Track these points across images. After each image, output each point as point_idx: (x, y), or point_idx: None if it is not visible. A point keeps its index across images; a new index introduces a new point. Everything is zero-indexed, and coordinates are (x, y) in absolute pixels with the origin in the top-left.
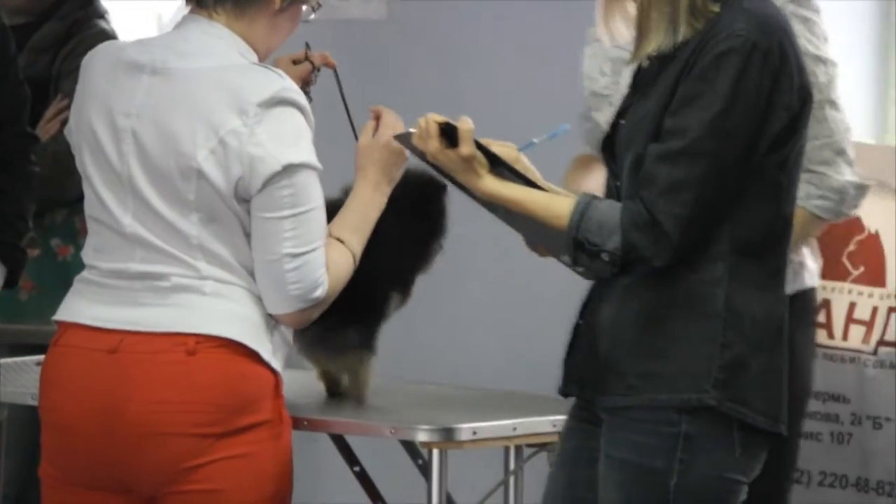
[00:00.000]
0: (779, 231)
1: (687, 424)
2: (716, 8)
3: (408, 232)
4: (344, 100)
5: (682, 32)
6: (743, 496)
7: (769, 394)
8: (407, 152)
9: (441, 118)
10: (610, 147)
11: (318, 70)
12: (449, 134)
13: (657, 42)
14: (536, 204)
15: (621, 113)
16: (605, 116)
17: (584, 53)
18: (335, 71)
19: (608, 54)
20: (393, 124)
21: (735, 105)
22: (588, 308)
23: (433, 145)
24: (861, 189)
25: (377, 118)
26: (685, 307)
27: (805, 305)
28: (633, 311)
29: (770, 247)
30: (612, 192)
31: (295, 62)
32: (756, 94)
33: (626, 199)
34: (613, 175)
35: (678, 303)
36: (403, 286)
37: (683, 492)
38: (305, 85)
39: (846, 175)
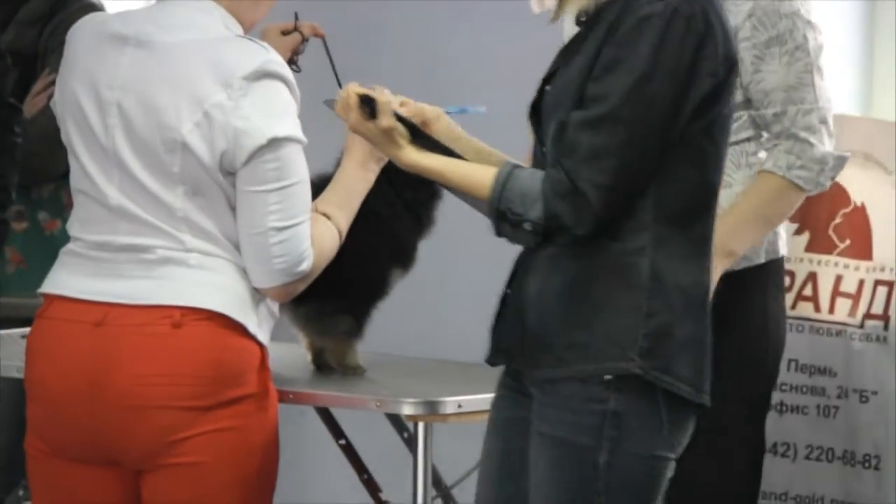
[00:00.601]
0: (704, 199)
1: (615, 401)
2: None
3: (402, 203)
4: (335, 70)
5: None
6: (670, 472)
7: (694, 363)
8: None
9: (361, 89)
10: (536, 112)
11: (307, 40)
12: (370, 105)
13: (578, 3)
14: (457, 174)
15: (547, 78)
16: None
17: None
18: (324, 41)
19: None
20: (385, 102)
21: (656, 70)
22: (515, 278)
23: (353, 116)
24: (840, 160)
25: None
26: (610, 277)
27: (779, 272)
28: (559, 282)
29: (695, 215)
30: (539, 158)
31: (284, 33)
32: (678, 59)
33: (548, 167)
34: (540, 141)
35: (603, 273)
36: (405, 258)
37: (612, 469)
38: (294, 55)
39: (827, 145)
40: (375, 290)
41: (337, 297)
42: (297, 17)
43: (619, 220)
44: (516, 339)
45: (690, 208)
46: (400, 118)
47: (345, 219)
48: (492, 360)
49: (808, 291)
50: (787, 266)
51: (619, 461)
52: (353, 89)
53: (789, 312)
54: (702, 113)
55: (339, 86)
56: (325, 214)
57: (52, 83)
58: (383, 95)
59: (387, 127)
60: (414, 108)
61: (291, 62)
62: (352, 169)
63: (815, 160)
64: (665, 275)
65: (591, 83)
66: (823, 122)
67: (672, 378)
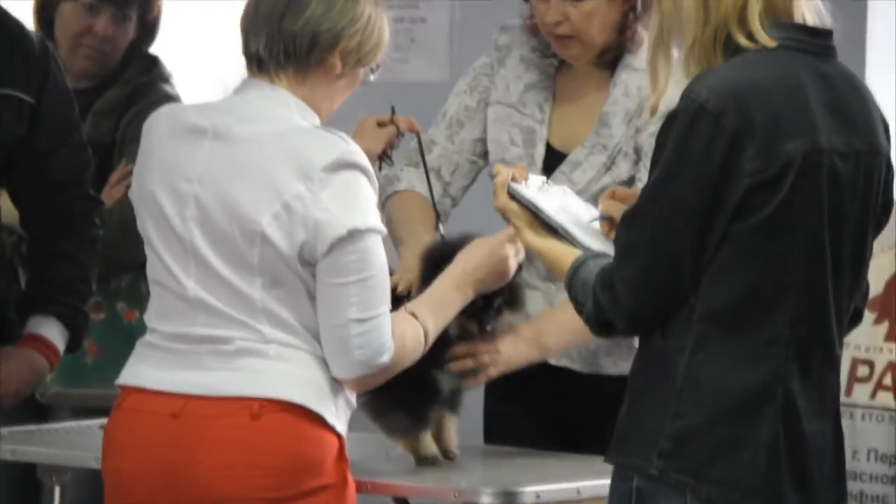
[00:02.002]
0: (769, 300)
1: (638, 479)
2: (717, 61)
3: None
4: (425, 165)
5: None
6: None
7: (742, 466)
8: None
9: (499, 168)
10: None
11: (403, 134)
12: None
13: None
14: (553, 258)
15: None
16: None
17: (486, 115)
18: (419, 136)
19: (515, 122)
20: (498, 182)
21: (679, 170)
22: None
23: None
24: None
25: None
26: (652, 373)
27: None
28: (629, 374)
29: (755, 316)
30: None
31: (380, 124)
32: (704, 157)
33: None
34: None
35: (648, 368)
36: (445, 360)
37: None
38: (389, 148)
39: None
40: (423, 389)
41: (387, 393)
42: (393, 111)
43: (669, 316)
44: None
45: (746, 309)
46: (515, 198)
47: (433, 323)
48: None
49: (887, 381)
50: (867, 356)
51: None
52: (495, 169)
53: (869, 402)
54: (748, 212)
55: (429, 182)
56: (412, 314)
57: (129, 174)
58: (499, 176)
59: (499, 207)
60: (609, 206)
61: (385, 155)
62: (447, 284)
63: None
64: (703, 376)
65: None
66: None
67: (699, 481)
